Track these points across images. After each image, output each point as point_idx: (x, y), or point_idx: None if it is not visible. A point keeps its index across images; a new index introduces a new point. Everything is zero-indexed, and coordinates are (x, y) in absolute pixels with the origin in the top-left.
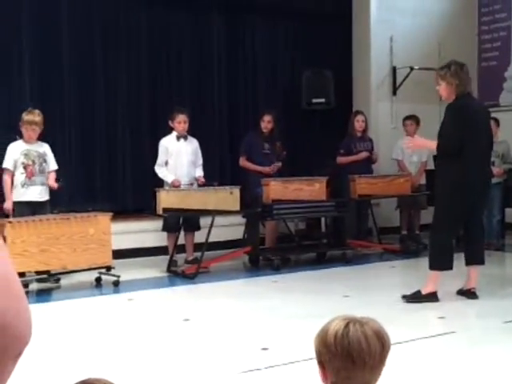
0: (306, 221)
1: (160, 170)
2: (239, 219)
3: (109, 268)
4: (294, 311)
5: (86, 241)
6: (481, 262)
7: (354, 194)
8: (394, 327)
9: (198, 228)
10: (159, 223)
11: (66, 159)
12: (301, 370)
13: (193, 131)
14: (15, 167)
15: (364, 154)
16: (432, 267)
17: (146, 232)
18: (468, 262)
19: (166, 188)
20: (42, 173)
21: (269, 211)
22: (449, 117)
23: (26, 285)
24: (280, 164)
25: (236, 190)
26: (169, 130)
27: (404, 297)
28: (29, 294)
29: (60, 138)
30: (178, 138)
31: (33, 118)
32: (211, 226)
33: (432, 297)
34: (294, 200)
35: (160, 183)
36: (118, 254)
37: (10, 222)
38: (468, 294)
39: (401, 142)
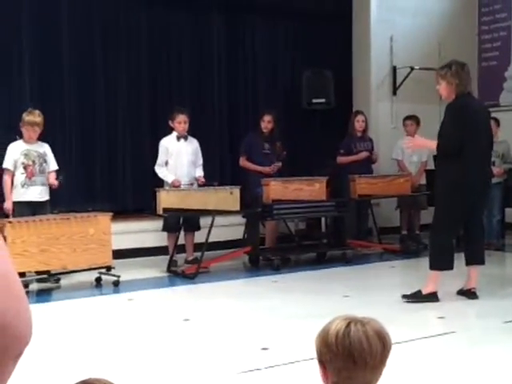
0: (306, 221)
1: (160, 170)
2: (239, 219)
3: (109, 268)
4: (294, 311)
5: (86, 241)
6: (481, 262)
7: (354, 194)
8: (394, 327)
9: (198, 228)
10: (159, 223)
11: (66, 159)
12: (301, 370)
13: (193, 131)
14: (15, 167)
15: (364, 154)
16: (432, 267)
17: (146, 232)
18: (468, 262)
19: (166, 188)
20: (42, 173)
21: (269, 211)
22: (449, 117)
23: (26, 285)
24: (280, 164)
25: (236, 190)
26: (169, 130)
27: (404, 297)
28: (29, 294)
29: (60, 138)
30: (178, 138)
31: (33, 118)
32: (211, 225)
33: (432, 297)
34: (294, 200)
35: (160, 183)
36: (118, 254)
37: (10, 222)
38: (468, 293)
39: (401, 142)
